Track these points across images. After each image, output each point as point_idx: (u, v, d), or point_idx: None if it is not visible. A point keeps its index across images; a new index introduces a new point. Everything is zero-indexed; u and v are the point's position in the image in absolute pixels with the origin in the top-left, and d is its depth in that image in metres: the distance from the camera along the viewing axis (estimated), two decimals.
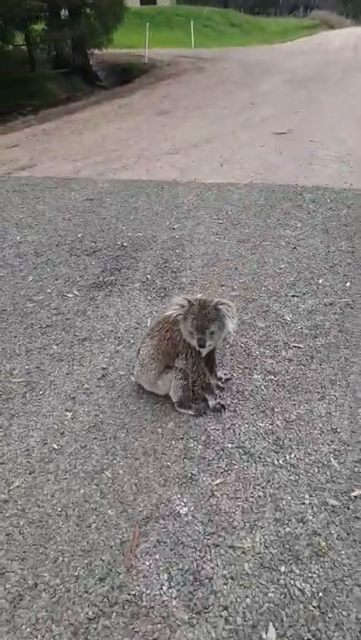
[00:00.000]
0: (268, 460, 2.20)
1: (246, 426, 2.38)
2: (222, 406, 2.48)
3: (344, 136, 7.85)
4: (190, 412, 2.45)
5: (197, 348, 2.31)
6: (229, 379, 2.69)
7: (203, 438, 2.31)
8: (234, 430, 2.35)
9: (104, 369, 2.81)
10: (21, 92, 12.93)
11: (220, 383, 2.63)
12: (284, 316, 3.26)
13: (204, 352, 2.39)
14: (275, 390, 2.62)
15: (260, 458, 2.21)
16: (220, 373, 2.68)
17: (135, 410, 2.50)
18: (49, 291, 3.67)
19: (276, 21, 40.13)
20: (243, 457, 2.22)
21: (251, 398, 2.56)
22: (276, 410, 2.49)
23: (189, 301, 2.26)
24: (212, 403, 2.48)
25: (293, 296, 3.49)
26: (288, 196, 5.39)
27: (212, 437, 2.31)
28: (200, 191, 5.69)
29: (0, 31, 12.83)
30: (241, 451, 2.25)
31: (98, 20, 14.29)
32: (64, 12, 14.92)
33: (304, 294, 3.52)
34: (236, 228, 4.64)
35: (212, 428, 2.37)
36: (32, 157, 7.82)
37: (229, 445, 2.27)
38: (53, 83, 14.36)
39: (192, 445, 2.27)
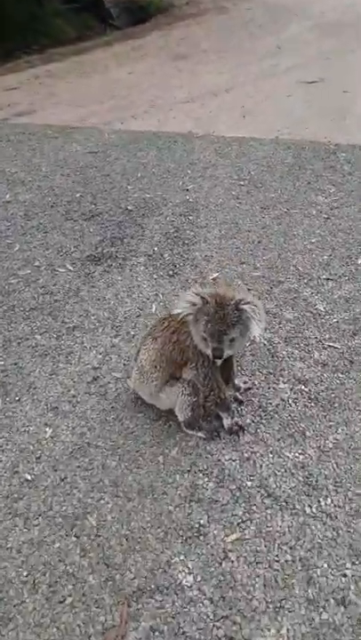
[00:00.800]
0: (298, 506, 1.71)
1: (270, 456, 1.88)
2: (240, 427, 1.97)
3: None
4: (200, 435, 1.95)
5: (212, 359, 1.78)
6: (250, 388, 2.17)
7: (215, 472, 1.82)
8: (254, 462, 1.86)
9: (96, 369, 2.31)
10: (27, 28, 11.86)
11: (238, 395, 2.12)
12: (316, 305, 2.70)
13: (219, 361, 1.86)
14: (306, 406, 2.10)
15: (287, 503, 1.72)
16: (238, 381, 2.16)
17: (131, 428, 2.00)
18: (37, 264, 3.13)
19: None
20: (265, 501, 1.73)
21: (276, 416, 2.05)
22: (307, 434, 1.98)
23: (203, 298, 1.71)
24: (227, 423, 1.97)
25: (327, 279, 2.91)
26: (319, 155, 4.68)
27: (226, 471, 1.82)
28: (219, 146, 4.99)
29: None
30: (263, 492, 1.75)
31: None
32: None
33: (340, 277, 2.94)
34: (259, 192, 4.00)
35: (226, 457, 1.87)
36: (32, 102, 7.07)
37: (248, 483, 1.78)
38: (62, 19, 13.20)
39: (201, 482, 1.78)
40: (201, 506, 1.71)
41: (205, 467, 1.84)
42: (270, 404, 2.11)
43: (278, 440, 1.95)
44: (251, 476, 1.81)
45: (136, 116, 6.18)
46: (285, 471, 1.83)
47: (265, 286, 2.87)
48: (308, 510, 1.70)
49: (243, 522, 1.66)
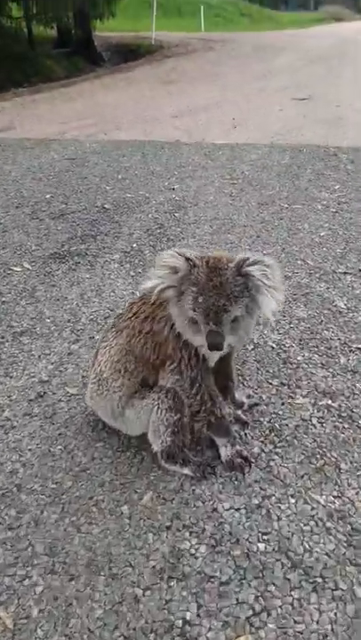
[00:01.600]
0: (342, 584, 1.07)
1: (292, 501, 1.24)
2: (245, 460, 1.34)
3: None
4: (186, 472, 1.32)
5: (206, 351, 1.18)
6: (257, 405, 1.55)
7: (208, 529, 1.18)
8: (268, 512, 1.22)
9: (44, 382, 1.69)
10: (18, 69, 11.78)
11: (240, 414, 1.50)
12: (334, 301, 2.12)
13: (214, 358, 1.26)
14: (336, 427, 1.48)
15: (324, 579, 1.07)
16: (240, 395, 1.54)
17: (85, 463, 1.36)
18: None
19: (287, 14, 38.74)
20: (289, 576, 1.08)
21: (296, 443, 1.42)
22: (342, 466, 1.35)
23: (188, 259, 1.13)
24: (226, 453, 1.34)
25: (345, 273, 2.35)
26: (319, 156, 4.24)
27: (226, 528, 1.18)
28: (209, 151, 4.54)
29: None
30: (285, 560, 1.11)
31: None
32: None
33: (360, 271, 2.38)
34: (255, 190, 3.50)
35: (225, 505, 1.23)
36: (12, 121, 6.70)
37: (261, 547, 1.14)
38: (53, 61, 13.22)
39: (187, 546, 1.14)
40: (187, 587, 1.06)
41: (194, 520, 1.20)
42: (287, 425, 1.49)
43: (302, 477, 1.31)
44: (264, 534, 1.17)
45: (121, 128, 5.78)
46: (316, 525, 1.19)
47: None
48: (359, 592, 1.05)
49: (255, 614, 1.01)
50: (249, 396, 1.57)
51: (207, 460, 1.35)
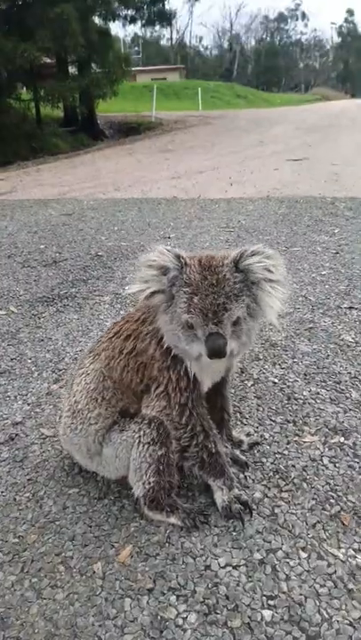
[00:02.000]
0: None
1: (303, 557, 1.01)
2: (245, 506, 1.12)
3: None
4: (173, 521, 1.09)
5: (206, 355, 0.99)
6: (257, 444, 1.35)
7: (199, 592, 0.94)
8: (274, 570, 0.99)
9: (17, 424, 1.49)
10: (26, 146, 12.45)
11: (238, 453, 1.29)
12: (341, 335, 1.96)
13: (208, 383, 1.08)
14: (351, 467, 1.27)
15: None
16: (238, 434, 1.34)
17: (54, 514, 1.15)
18: None
19: (279, 95, 41.66)
20: None
21: (304, 486, 1.20)
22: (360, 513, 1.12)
23: (178, 257, 0.99)
24: (222, 498, 1.13)
25: (350, 308, 2.20)
26: (317, 205, 4.24)
27: (222, 590, 0.95)
28: (205, 205, 4.57)
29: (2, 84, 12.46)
30: (298, 633, 0.88)
31: (103, 73, 14.12)
32: (72, 69, 14.89)
33: None
34: (252, 236, 3.44)
35: (221, 562, 1.01)
36: (15, 186, 6.90)
37: (266, 615, 0.90)
38: (59, 138, 14.05)
39: (172, 614, 0.91)
40: None
41: (182, 581, 0.96)
42: (294, 466, 1.27)
43: (314, 526, 1.09)
44: (269, 598, 0.93)
45: (120, 189, 5.90)
46: (335, 586, 0.95)
47: None
48: None
49: None
50: (248, 434, 1.37)
51: (199, 506, 1.13)
